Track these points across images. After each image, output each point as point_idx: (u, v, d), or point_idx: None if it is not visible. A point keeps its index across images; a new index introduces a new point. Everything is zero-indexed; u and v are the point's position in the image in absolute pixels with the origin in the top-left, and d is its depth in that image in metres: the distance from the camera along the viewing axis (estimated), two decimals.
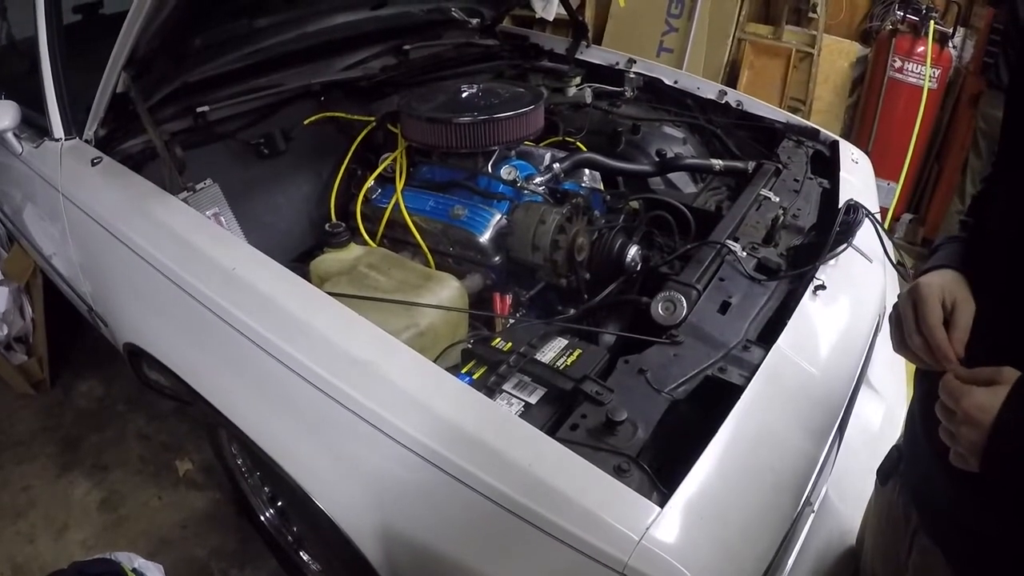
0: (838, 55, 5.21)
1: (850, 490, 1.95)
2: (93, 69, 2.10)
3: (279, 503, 2.45)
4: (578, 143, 2.84)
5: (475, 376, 1.63)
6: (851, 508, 1.87)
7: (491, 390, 1.56)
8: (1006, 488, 1.03)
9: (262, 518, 2.50)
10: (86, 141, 2.31)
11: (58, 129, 2.36)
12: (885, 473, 1.54)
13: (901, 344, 1.22)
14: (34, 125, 2.46)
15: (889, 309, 2.42)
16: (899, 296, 1.21)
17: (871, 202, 2.47)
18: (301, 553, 2.41)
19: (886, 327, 2.28)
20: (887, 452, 1.56)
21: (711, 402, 1.57)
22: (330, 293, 1.73)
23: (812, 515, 1.69)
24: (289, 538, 2.44)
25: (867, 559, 1.70)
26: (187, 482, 2.97)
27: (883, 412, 2.31)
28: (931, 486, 1.29)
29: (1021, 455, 0.96)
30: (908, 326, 1.17)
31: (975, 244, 1.26)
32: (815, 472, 1.56)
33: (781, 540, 1.38)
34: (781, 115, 2.94)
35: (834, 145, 2.77)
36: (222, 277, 1.78)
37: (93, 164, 2.21)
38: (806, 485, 1.51)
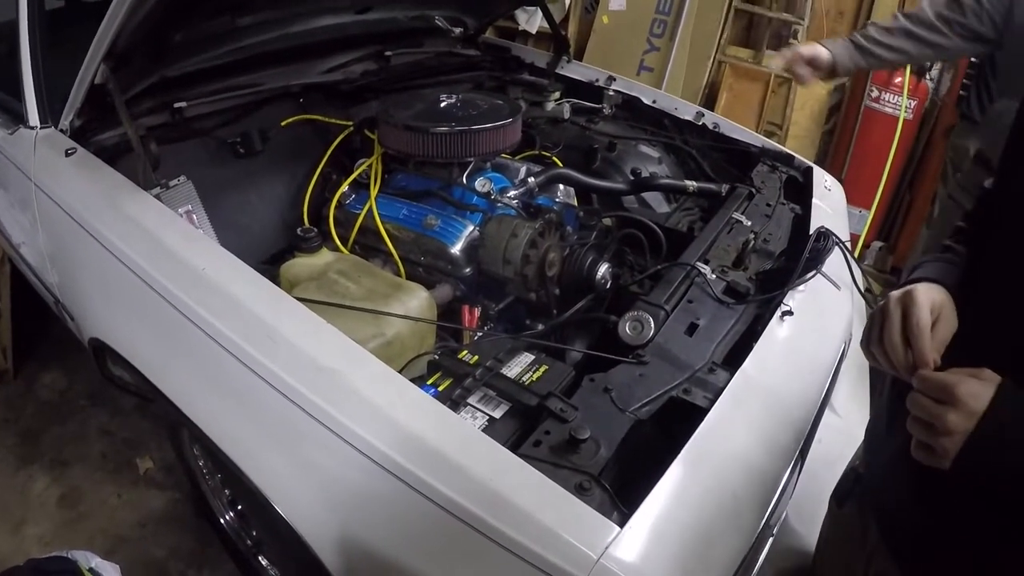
0: (816, 82, 5.25)
1: (809, 513, 1.96)
2: (73, 57, 2.07)
3: (239, 506, 2.43)
4: (554, 158, 2.85)
5: (440, 388, 1.62)
6: (809, 530, 1.88)
7: (456, 403, 1.56)
8: (971, 487, 1.06)
9: (222, 521, 2.48)
10: (61, 131, 2.29)
11: (34, 117, 2.34)
12: (841, 495, 1.55)
13: (876, 342, 1.20)
14: (9, 111, 2.44)
15: (856, 336, 2.45)
16: (889, 296, 1.20)
17: (842, 229, 2.49)
18: (260, 558, 2.39)
19: (851, 353, 2.32)
20: (843, 474, 1.57)
21: (675, 423, 1.58)
22: (298, 298, 1.73)
23: (771, 538, 1.70)
24: (248, 542, 2.42)
25: None
26: (147, 481, 2.94)
27: (846, 436, 2.32)
28: (895, 500, 1.30)
29: (1003, 448, 0.98)
30: (892, 326, 1.16)
31: (972, 262, 1.26)
32: (776, 495, 1.57)
33: (740, 562, 1.39)
34: (757, 139, 2.96)
35: (808, 171, 2.79)
36: (191, 277, 1.77)
37: (67, 155, 2.19)
38: (767, 508, 1.52)
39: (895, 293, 1.19)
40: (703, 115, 3.06)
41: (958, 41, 2.56)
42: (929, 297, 1.15)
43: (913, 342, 1.13)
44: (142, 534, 2.72)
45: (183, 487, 2.83)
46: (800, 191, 2.71)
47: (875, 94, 4.77)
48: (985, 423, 0.97)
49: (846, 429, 2.34)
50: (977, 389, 0.99)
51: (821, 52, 2.61)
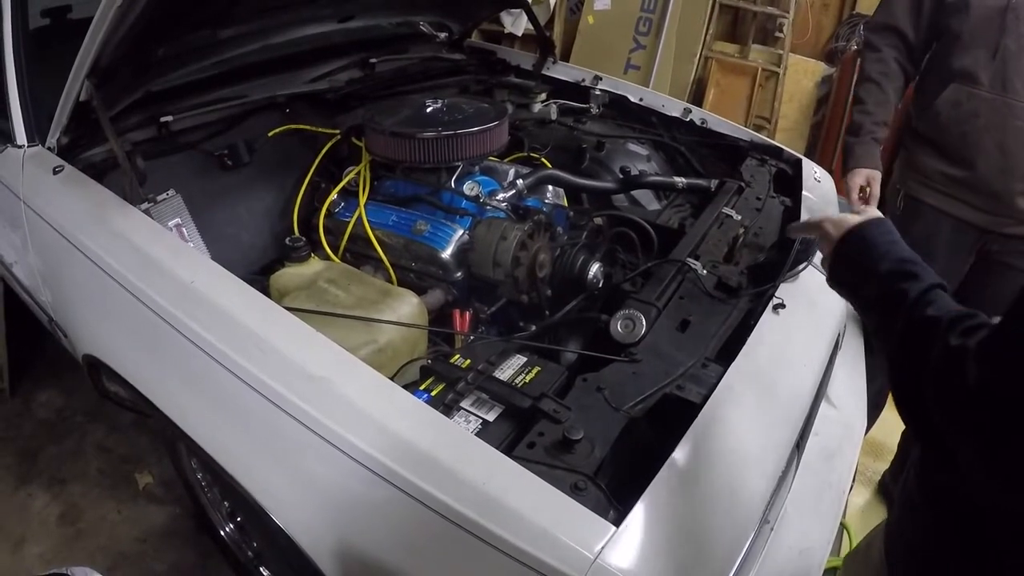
0: (803, 74, 5.27)
1: (810, 506, 1.96)
2: (59, 75, 2.07)
3: (238, 518, 2.43)
4: (542, 159, 2.85)
5: (433, 393, 1.62)
6: (810, 524, 1.88)
7: (449, 407, 1.56)
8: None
9: (222, 533, 2.48)
10: (49, 149, 2.28)
11: (21, 136, 2.33)
12: None
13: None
14: None
15: (850, 328, 2.45)
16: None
17: None
18: (261, 569, 2.39)
19: (846, 345, 2.32)
20: None
21: (669, 420, 1.57)
22: (288, 308, 1.72)
23: (771, 533, 1.69)
24: (249, 554, 2.42)
25: None
26: (147, 496, 2.94)
27: (842, 428, 2.32)
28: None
29: (853, 253, 1.29)
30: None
31: None
32: (773, 489, 1.57)
33: (739, 558, 1.39)
34: (745, 133, 2.96)
35: (797, 163, 2.80)
36: (180, 290, 1.77)
37: (55, 172, 2.19)
38: (764, 502, 1.52)
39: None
40: (690, 111, 3.06)
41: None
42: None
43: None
44: (143, 549, 2.72)
45: (182, 501, 2.83)
46: (790, 184, 2.72)
47: None
48: (846, 235, 1.31)
49: (843, 420, 2.34)
50: (852, 218, 1.33)
51: (871, 174, 2.71)
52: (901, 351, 1.10)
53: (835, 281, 1.35)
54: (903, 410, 1.09)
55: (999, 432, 0.89)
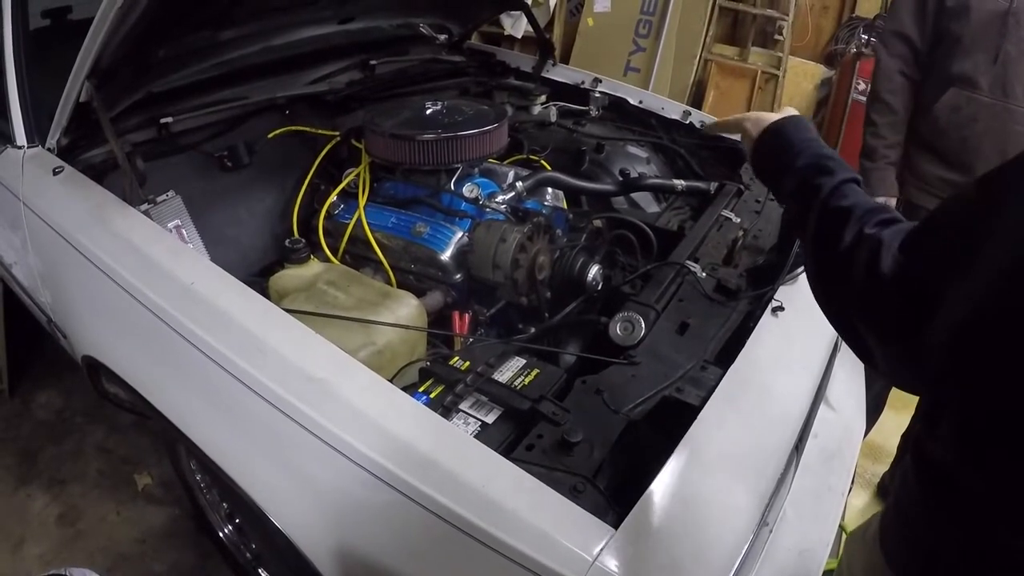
0: (803, 77, 5.28)
1: (809, 508, 1.96)
2: (59, 76, 2.08)
3: (237, 520, 2.43)
4: (542, 161, 2.85)
5: (432, 395, 1.63)
6: (808, 526, 1.88)
7: (448, 409, 1.57)
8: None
9: (221, 534, 2.48)
10: (49, 150, 2.29)
11: (21, 137, 2.33)
12: None
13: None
14: None
15: None
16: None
17: None
18: (260, 570, 2.39)
19: (845, 347, 2.31)
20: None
21: (668, 423, 1.57)
22: (287, 310, 1.73)
23: (770, 535, 1.69)
24: (248, 555, 2.42)
25: None
26: (146, 497, 2.94)
27: (841, 430, 2.32)
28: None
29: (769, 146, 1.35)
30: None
31: None
32: (772, 491, 1.57)
33: (738, 560, 1.39)
34: None
35: None
36: (180, 291, 1.77)
37: (55, 173, 2.19)
38: (763, 504, 1.52)
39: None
40: (689, 114, 3.06)
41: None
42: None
43: None
44: (142, 550, 2.72)
45: (182, 503, 2.83)
46: None
47: (862, 87, 4.79)
48: (763, 133, 1.36)
49: (842, 423, 2.34)
50: (770, 116, 1.38)
51: (887, 201, 2.73)
52: (816, 239, 1.15)
53: (757, 173, 1.43)
54: (818, 294, 1.16)
55: (904, 318, 0.96)
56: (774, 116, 1.38)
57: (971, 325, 0.88)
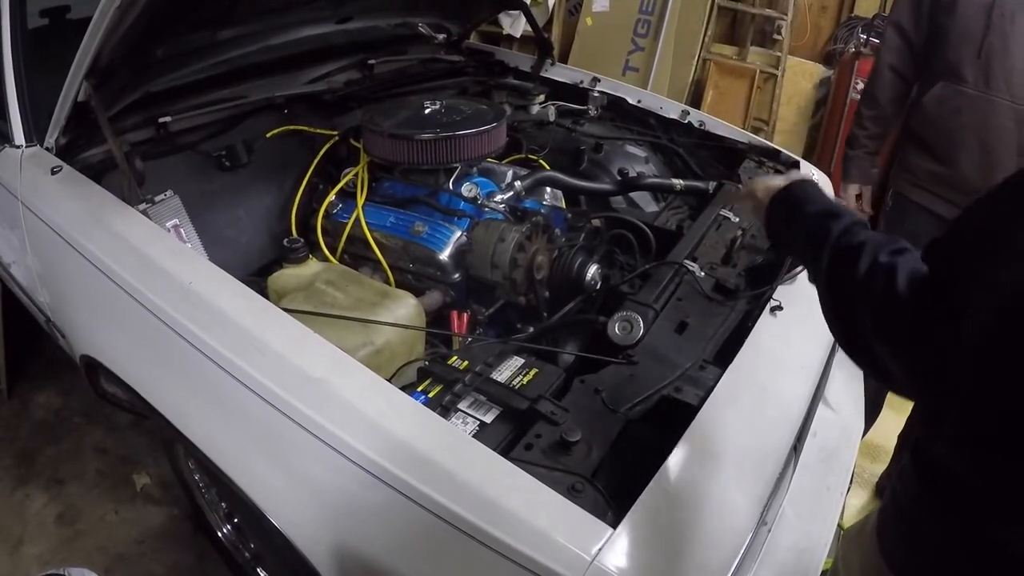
0: (802, 76, 5.26)
1: (807, 507, 1.96)
2: (58, 75, 2.07)
3: (236, 519, 2.43)
4: (541, 161, 2.85)
5: (431, 395, 1.62)
6: (807, 525, 1.88)
7: (446, 409, 1.56)
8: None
9: (219, 534, 2.48)
10: (47, 149, 2.28)
11: (19, 136, 2.33)
12: None
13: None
14: None
15: None
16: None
17: None
18: (258, 570, 2.39)
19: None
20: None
21: (666, 422, 1.58)
22: (286, 309, 1.72)
23: (768, 534, 1.69)
24: (246, 555, 2.42)
25: None
26: (144, 497, 2.93)
27: (839, 430, 2.32)
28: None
29: (781, 209, 1.39)
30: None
31: None
32: (770, 491, 1.57)
33: (737, 560, 1.39)
34: (743, 135, 2.96)
35: (795, 165, 2.80)
36: (178, 291, 1.77)
37: (53, 173, 2.18)
38: (761, 504, 1.52)
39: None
40: (688, 113, 3.06)
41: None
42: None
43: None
44: (140, 550, 2.72)
45: (180, 502, 2.83)
46: None
47: (860, 86, 4.77)
48: (773, 198, 1.40)
49: (840, 423, 2.34)
50: (778, 181, 1.42)
51: (863, 187, 2.93)
52: (830, 274, 1.17)
53: (770, 235, 1.49)
54: (835, 330, 1.18)
55: (923, 328, 0.98)
56: (782, 180, 1.43)
57: (997, 327, 0.89)
